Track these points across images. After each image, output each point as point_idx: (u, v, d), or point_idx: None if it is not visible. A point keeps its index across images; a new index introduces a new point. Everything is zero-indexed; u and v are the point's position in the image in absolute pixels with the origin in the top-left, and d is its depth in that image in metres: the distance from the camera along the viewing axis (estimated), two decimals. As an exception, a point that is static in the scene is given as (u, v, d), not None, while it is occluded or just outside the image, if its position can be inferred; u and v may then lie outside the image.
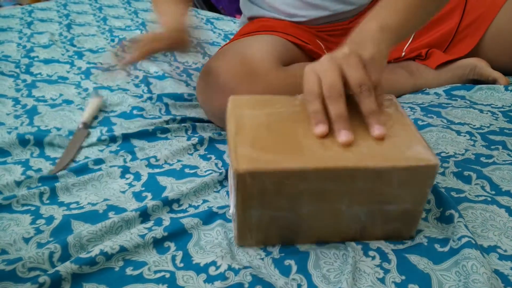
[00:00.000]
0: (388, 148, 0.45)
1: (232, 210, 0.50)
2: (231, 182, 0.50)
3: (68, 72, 0.97)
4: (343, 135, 0.45)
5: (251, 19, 0.91)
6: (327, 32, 0.88)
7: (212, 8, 1.79)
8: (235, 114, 0.50)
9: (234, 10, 1.72)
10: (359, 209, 0.47)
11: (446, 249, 0.49)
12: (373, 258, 0.48)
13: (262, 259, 0.48)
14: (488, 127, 0.72)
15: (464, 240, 0.47)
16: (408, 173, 0.44)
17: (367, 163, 0.43)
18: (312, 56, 0.82)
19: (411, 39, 0.93)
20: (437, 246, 0.49)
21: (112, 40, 1.16)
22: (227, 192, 0.59)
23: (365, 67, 0.47)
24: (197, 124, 0.76)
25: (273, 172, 0.43)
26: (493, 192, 0.57)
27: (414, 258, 0.48)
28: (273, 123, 0.48)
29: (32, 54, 1.05)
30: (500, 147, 0.67)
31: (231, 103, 0.52)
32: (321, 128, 0.46)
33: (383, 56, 0.50)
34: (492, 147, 0.67)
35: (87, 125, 0.75)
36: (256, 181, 0.43)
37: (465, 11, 0.90)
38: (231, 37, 1.16)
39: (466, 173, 0.60)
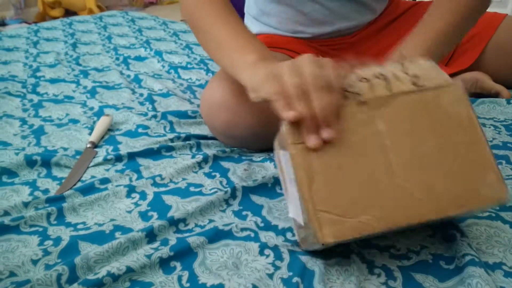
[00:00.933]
0: (463, 183, 0.45)
1: (295, 223, 0.50)
2: (294, 205, 0.49)
3: (74, 91, 0.98)
4: None
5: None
6: (330, 46, 0.89)
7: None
8: (300, 151, 0.46)
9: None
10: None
11: (452, 266, 0.49)
12: (379, 275, 0.48)
13: (271, 276, 0.48)
14: (491, 141, 0.73)
15: (467, 258, 0.47)
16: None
17: (447, 213, 0.44)
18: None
19: None
20: (442, 263, 0.50)
21: (117, 59, 1.18)
22: (233, 212, 0.59)
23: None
24: (201, 141, 0.76)
25: (357, 237, 0.44)
26: (497, 208, 0.57)
27: (419, 277, 0.48)
28: (341, 158, 0.45)
29: (39, 74, 1.07)
30: (504, 161, 0.67)
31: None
32: None
33: None
34: (495, 161, 0.67)
35: (95, 144, 0.76)
36: (340, 242, 0.45)
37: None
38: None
39: (470, 188, 0.60)
